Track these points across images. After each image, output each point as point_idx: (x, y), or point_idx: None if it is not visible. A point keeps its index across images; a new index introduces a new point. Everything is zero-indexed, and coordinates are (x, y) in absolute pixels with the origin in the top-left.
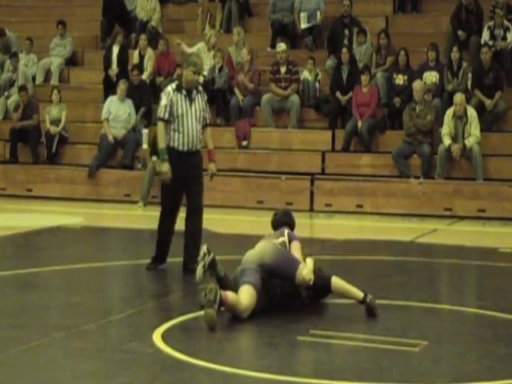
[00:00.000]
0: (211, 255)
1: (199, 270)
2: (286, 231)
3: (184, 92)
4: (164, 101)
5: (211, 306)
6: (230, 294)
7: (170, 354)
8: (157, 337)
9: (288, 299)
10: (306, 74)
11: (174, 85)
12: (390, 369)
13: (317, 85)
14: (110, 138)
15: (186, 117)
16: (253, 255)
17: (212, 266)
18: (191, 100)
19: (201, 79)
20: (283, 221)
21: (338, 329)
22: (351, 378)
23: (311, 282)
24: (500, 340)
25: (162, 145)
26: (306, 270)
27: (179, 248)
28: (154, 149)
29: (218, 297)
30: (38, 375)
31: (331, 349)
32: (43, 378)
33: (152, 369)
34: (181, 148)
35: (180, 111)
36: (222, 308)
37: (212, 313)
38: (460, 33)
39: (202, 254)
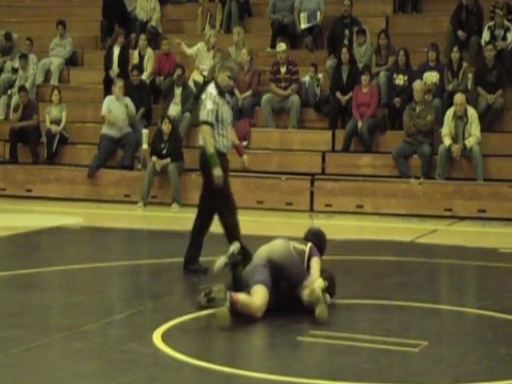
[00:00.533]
0: (239, 257)
1: (220, 262)
2: (310, 244)
3: (223, 95)
4: (210, 105)
5: (223, 304)
6: (241, 295)
7: (170, 354)
8: (156, 337)
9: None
10: (306, 79)
11: (215, 88)
12: (390, 369)
13: (318, 90)
14: (113, 133)
15: (226, 120)
16: (263, 250)
17: (235, 265)
18: (228, 103)
19: (201, 79)
20: (310, 239)
21: (338, 329)
22: (351, 378)
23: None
24: (500, 340)
25: (212, 149)
26: (316, 288)
27: (179, 248)
28: (153, 148)
29: (228, 296)
30: (39, 375)
31: (331, 349)
32: (43, 378)
33: (152, 369)
34: (225, 151)
35: (224, 115)
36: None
37: (225, 311)
38: (460, 33)
39: (231, 251)
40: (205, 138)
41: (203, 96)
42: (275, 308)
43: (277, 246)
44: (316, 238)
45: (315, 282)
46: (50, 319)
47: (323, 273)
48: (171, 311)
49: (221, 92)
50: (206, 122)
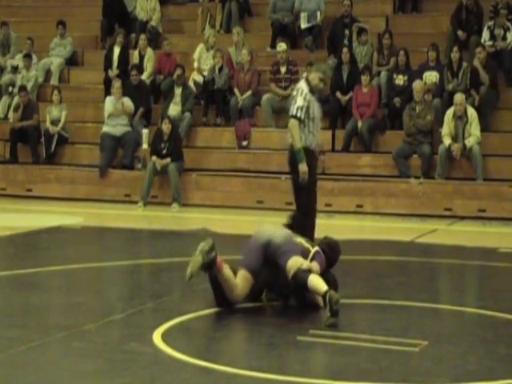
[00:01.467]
0: (213, 253)
1: (195, 263)
2: (318, 248)
3: (316, 95)
4: (301, 101)
5: (202, 254)
6: (227, 270)
7: (170, 354)
8: (157, 337)
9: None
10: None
11: (306, 86)
12: (390, 369)
13: None
14: (113, 131)
15: (317, 119)
16: (267, 229)
17: (210, 264)
18: (319, 102)
19: (201, 79)
20: (324, 248)
21: (338, 329)
22: (351, 378)
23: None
24: (500, 340)
25: (299, 144)
26: (305, 264)
27: (179, 248)
28: (153, 148)
29: (214, 253)
30: (38, 375)
31: (331, 349)
32: (43, 378)
33: (152, 369)
34: (314, 149)
35: (316, 113)
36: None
37: (199, 259)
38: (460, 33)
39: (205, 248)
40: (292, 133)
41: (294, 92)
42: (258, 296)
43: (281, 230)
44: (329, 249)
45: (302, 260)
46: (49, 319)
47: (325, 275)
48: (171, 311)
49: (311, 90)
50: (295, 117)
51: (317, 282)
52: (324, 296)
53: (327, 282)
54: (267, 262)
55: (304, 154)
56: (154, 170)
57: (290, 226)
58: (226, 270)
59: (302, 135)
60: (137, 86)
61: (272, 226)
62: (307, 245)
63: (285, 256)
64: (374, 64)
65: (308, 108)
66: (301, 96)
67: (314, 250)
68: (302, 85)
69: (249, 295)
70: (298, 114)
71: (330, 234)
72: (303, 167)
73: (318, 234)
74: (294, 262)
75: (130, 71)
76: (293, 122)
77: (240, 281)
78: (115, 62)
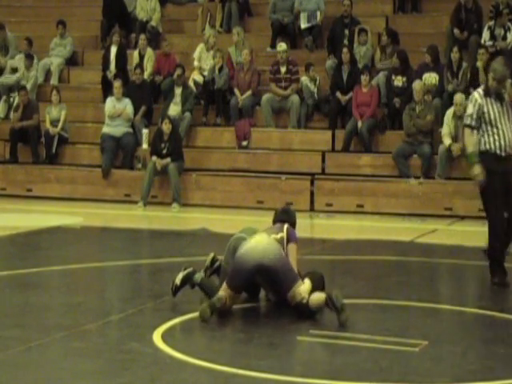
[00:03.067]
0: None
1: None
2: (286, 226)
3: (494, 96)
4: (470, 109)
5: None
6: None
7: (170, 354)
8: (157, 337)
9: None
10: (305, 80)
11: (481, 90)
12: (390, 369)
13: (315, 90)
14: (114, 132)
15: (499, 120)
16: (256, 251)
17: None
18: (502, 102)
19: (201, 79)
20: (281, 219)
21: (338, 329)
22: (351, 378)
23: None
24: (500, 340)
25: (470, 149)
26: (304, 293)
27: (179, 248)
28: (153, 149)
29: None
30: (38, 375)
31: (331, 349)
32: (43, 378)
33: (152, 369)
34: (498, 152)
35: (492, 115)
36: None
37: (205, 308)
38: (456, 31)
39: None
40: (465, 140)
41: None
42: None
43: (269, 249)
44: (286, 215)
45: (301, 288)
46: (49, 319)
47: (309, 274)
48: (171, 311)
49: (488, 92)
50: (466, 125)
51: (316, 300)
52: (326, 303)
53: (312, 281)
54: (261, 279)
55: (477, 159)
56: (154, 170)
57: (281, 221)
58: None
59: (481, 139)
60: (138, 86)
61: (260, 243)
62: (278, 236)
63: (284, 285)
64: (376, 63)
65: (482, 113)
66: (471, 103)
67: (285, 230)
68: (477, 90)
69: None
70: (468, 122)
71: (331, 233)
72: (475, 170)
73: (318, 233)
74: (294, 294)
75: (133, 70)
76: (465, 130)
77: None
78: (112, 62)
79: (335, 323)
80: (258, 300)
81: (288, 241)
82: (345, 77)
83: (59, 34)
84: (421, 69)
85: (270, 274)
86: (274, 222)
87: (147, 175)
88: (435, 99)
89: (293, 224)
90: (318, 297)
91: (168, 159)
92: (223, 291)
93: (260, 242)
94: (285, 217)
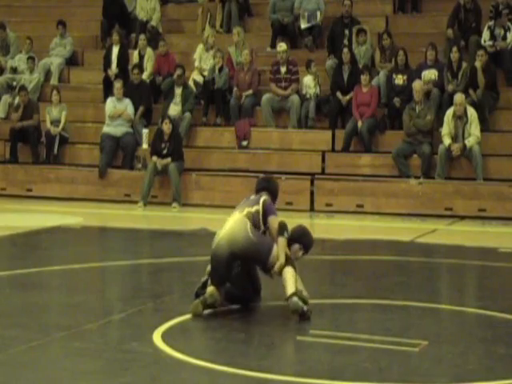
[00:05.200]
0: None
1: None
2: (262, 199)
3: None
4: None
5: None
6: None
7: (170, 354)
8: (157, 337)
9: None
10: (308, 80)
11: None
12: (390, 369)
13: (317, 88)
14: (114, 132)
15: None
16: (224, 242)
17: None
18: None
19: (201, 79)
20: (261, 186)
21: (338, 329)
22: (351, 378)
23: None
24: (500, 340)
25: None
26: (278, 265)
27: (179, 248)
28: (154, 148)
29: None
30: (38, 375)
31: (331, 348)
32: (43, 378)
33: (152, 369)
34: None
35: None
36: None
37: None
38: (449, 32)
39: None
40: None
41: None
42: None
43: (235, 236)
44: (266, 183)
45: (275, 260)
46: (49, 319)
47: (293, 232)
48: (171, 311)
49: None
50: None
51: (287, 280)
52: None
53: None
54: (241, 264)
55: None
56: (155, 170)
57: (262, 189)
58: None
59: None
60: (138, 86)
61: (226, 233)
62: (253, 209)
63: (262, 259)
64: (376, 63)
65: None
66: None
67: (261, 202)
68: None
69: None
70: None
71: (331, 233)
72: None
73: (318, 233)
74: (272, 263)
75: (132, 70)
76: None
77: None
78: (114, 62)
79: (335, 323)
80: (258, 301)
81: (265, 214)
82: (345, 77)
83: (59, 34)
84: (420, 68)
85: (245, 257)
86: (256, 191)
87: (147, 175)
88: (435, 99)
89: (273, 192)
90: (288, 284)
91: (168, 159)
92: (211, 287)
93: (226, 231)
94: (265, 184)
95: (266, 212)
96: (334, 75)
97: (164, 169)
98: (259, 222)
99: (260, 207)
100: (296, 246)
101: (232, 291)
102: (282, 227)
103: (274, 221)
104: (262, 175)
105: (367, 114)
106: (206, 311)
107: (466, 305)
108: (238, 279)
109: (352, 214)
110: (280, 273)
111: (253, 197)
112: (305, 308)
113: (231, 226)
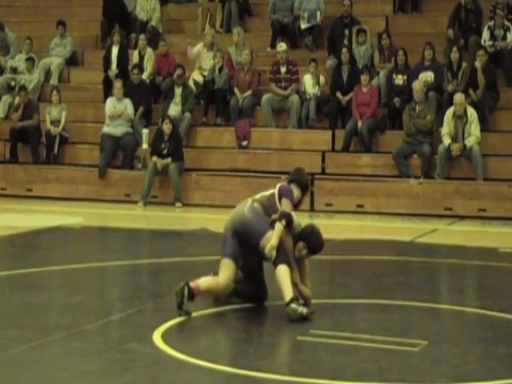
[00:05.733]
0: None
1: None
2: (279, 184)
3: None
4: None
5: (180, 310)
6: (201, 282)
7: (170, 354)
8: (157, 337)
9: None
10: (307, 80)
11: None
12: (390, 369)
13: (317, 88)
14: (114, 132)
15: None
16: (228, 221)
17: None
18: None
19: (201, 79)
20: (291, 178)
21: (338, 329)
22: (351, 378)
23: (272, 258)
24: (500, 340)
25: None
26: (268, 247)
27: (179, 248)
28: (154, 148)
29: (185, 296)
30: (38, 375)
31: (331, 348)
32: (43, 378)
33: (152, 369)
34: None
35: None
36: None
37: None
38: (450, 32)
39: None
40: None
41: None
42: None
43: (235, 215)
44: (296, 175)
45: (267, 243)
46: (49, 319)
47: (303, 230)
48: (171, 311)
49: None
50: None
51: (283, 283)
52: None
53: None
54: (241, 241)
55: None
56: (155, 170)
57: (291, 181)
58: (203, 285)
59: None
60: (138, 86)
61: (231, 213)
62: (267, 193)
63: (254, 238)
64: (375, 63)
65: None
66: None
67: (277, 188)
68: None
69: (233, 278)
70: None
71: (331, 233)
72: None
73: None
74: (263, 245)
75: (131, 70)
76: None
77: (221, 269)
78: (114, 62)
79: (335, 323)
80: (258, 301)
81: (280, 197)
82: (345, 77)
83: (59, 34)
84: (418, 68)
85: (239, 233)
86: (288, 183)
87: (148, 175)
88: (435, 99)
89: (301, 183)
90: (285, 288)
91: (169, 159)
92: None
93: (232, 211)
94: (294, 176)
95: (282, 194)
96: (333, 75)
97: (164, 169)
98: (275, 203)
99: (276, 190)
100: (300, 244)
101: (245, 289)
102: (283, 215)
103: (285, 203)
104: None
105: (367, 114)
106: (207, 311)
107: (466, 305)
108: (254, 276)
109: (352, 214)
110: (271, 257)
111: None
112: (304, 312)
113: (236, 207)
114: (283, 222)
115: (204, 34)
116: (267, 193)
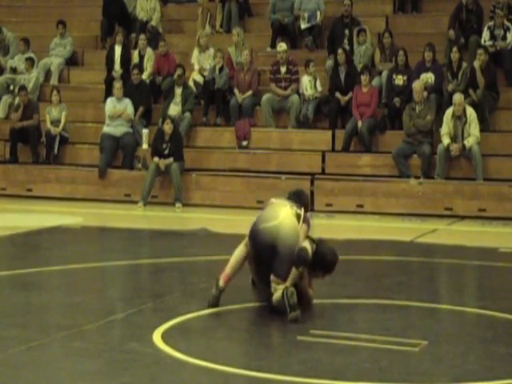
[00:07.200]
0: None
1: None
2: (303, 211)
3: None
4: None
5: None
6: (229, 272)
7: (170, 354)
8: (157, 337)
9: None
10: (305, 81)
11: None
12: (390, 369)
13: (314, 89)
14: (114, 132)
15: None
16: (274, 227)
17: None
18: None
19: (201, 79)
20: (293, 200)
21: (338, 329)
22: (351, 378)
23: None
24: (500, 340)
25: None
26: (280, 285)
27: (179, 248)
28: (155, 148)
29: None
30: (38, 375)
31: (331, 348)
32: (43, 378)
33: (152, 369)
34: None
35: None
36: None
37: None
38: (451, 32)
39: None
40: None
41: None
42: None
43: (288, 233)
44: (298, 198)
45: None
46: (49, 319)
47: (318, 257)
48: (171, 311)
49: None
50: None
51: (275, 297)
52: (283, 292)
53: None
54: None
55: None
56: (156, 171)
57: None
58: (232, 272)
59: None
60: (137, 86)
61: (279, 224)
62: (298, 211)
63: (276, 267)
64: (376, 63)
65: None
66: None
67: (302, 213)
68: None
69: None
70: None
71: (331, 234)
72: None
73: (318, 233)
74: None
75: (132, 70)
76: None
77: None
78: (117, 62)
79: (335, 323)
80: (258, 301)
81: (303, 221)
82: (342, 77)
83: (59, 34)
84: (418, 68)
85: (275, 256)
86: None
87: (149, 176)
88: (435, 99)
89: (305, 207)
90: (277, 295)
91: (171, 159)
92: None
93: (283, 224)
94: (296, 199)
95: (305, 219)
96: (331, 76)
97: (166, 169)
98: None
99: (302, 213)
100: (319, 273)
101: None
102: (302, 261)
103: (304, 230)
104: (292, 190)
105: (367, 114)
106: (207, 311)
107: (466, 305)
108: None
109: (352, 214)
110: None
111: (292, 203)
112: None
113: (287, 221)
114: (300, 269)
115: (198, 37)
116: (299, 211)
